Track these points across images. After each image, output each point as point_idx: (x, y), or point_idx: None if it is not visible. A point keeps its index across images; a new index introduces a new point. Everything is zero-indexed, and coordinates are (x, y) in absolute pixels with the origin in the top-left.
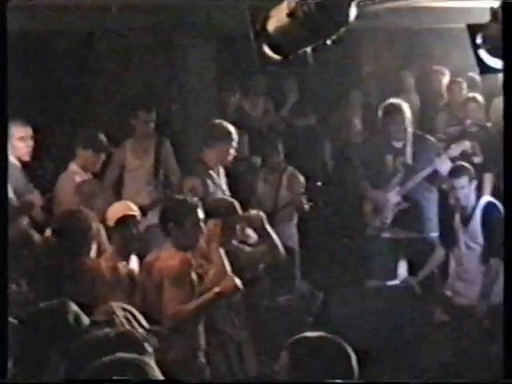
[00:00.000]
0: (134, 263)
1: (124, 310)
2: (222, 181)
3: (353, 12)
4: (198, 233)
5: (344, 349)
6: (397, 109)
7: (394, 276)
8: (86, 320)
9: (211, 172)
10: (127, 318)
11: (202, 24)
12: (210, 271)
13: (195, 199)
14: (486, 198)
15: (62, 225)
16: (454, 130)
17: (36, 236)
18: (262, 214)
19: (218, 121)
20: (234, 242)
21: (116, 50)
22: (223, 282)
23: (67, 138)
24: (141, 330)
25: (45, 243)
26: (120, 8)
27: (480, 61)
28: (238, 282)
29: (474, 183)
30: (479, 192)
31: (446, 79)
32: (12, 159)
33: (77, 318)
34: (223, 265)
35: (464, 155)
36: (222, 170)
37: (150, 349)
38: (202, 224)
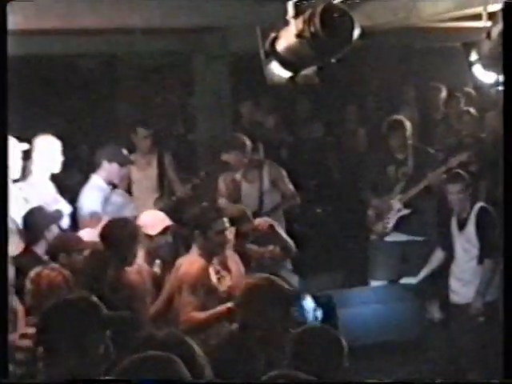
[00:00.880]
0: (156, 267)
1: None
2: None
3: (356, 32)
4: (224, 241)
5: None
6: (399, 124)
7: (397, 277)
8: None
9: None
10: None
11: (217, 45)
12: (227, 278)
13: (221, 207)
14: (480, 203)
15: (110, 233)
16: (451, 141)
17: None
18: (270, 220)
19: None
20: (247, 245)
21: (137, 71)
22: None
23: (93, 152)
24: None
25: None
26: (143, 31)
27: (474, 76)
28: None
29: (470, 189)
30: (474, 198)
31: (443, 94)
32: (42, 171)
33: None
34: (240, 272)
35: (461, 164)
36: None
37: None
38: (227, 233)
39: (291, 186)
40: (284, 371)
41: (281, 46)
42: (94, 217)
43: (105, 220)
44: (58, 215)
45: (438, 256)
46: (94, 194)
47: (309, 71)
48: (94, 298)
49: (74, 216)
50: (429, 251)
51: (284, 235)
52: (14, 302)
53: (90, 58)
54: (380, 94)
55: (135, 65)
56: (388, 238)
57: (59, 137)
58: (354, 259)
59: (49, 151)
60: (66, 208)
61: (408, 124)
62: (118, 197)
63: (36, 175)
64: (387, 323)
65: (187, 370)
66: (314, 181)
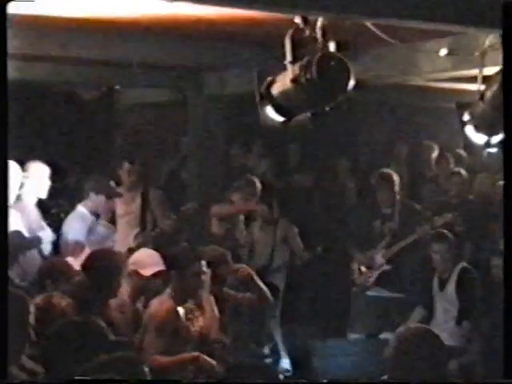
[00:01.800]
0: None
1: None
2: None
3: (351, 82)
4: (199, 284)
5: None
6: (388, 178)
7: (375, 331)
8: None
9: None
10: None
11: (214, 85)
12: (200, 318)
13: (199, 249)
14: (463, 263)
15: (93, 264)
16: (439, 200)
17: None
18: (249, 269)
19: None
20: (225, 289)
21: (134, 105)
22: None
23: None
24: None
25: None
26: (141, 66)
27: (466, 137)
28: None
29: (453, 250)
30: (457, 258)
31: (435, 153)
32: (30, 197)
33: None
34: (213, 314)
35: (446, 224)
36: None
37: None
38: (203, 277)
39: (301, 244)
40: None
41: (276, 90)
42: (78, 246)
43: (88, 250)
44: (35, 242)
45: (418, 314)
46: (78, 224)
47: (302, 117)
48: None
49: (56, 244)
50: (409, 308)
51: (261, 284)
52: None
53: (89, 88)
54: (371, 147)
55: (132, 98)
56: (369, 292)
57: (50, 164)
58: (334, 310)
59: (38, 177)
60: (48, 235)
61: (397, 178)
62: (101, 227)
63: (25, 200)
64: (365, 375)
65: None
66: (299, 229)
